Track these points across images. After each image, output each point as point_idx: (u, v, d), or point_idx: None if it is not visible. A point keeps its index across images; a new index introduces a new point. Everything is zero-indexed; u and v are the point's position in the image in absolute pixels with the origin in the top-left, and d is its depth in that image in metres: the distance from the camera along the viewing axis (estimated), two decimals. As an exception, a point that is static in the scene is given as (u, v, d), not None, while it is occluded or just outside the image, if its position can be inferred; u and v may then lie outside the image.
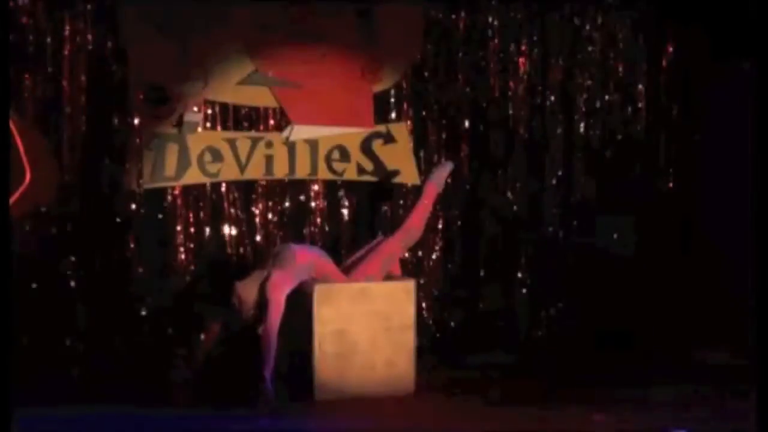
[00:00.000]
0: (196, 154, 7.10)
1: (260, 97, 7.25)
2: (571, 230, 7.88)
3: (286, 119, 7.29)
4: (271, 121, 7.29)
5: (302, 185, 7.38)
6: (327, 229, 7.41)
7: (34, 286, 6.77)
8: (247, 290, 6.17)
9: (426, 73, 7.59)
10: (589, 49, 7.88)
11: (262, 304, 6.13)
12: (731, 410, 5.96)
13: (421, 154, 7.60)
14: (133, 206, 6.97)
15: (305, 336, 6.27)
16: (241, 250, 7.23)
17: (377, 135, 7.49)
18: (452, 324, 7.66)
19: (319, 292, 6.28)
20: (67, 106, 6.81)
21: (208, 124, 7.12)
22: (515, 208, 7.77)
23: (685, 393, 6.50)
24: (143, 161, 6.95)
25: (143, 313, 7.01)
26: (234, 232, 7.22)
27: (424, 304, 7.51)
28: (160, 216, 7.05)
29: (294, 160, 7.31)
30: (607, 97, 7.92)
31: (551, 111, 7.81)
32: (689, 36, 7.89)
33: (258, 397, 5.91)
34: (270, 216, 7.31)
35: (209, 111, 7.13)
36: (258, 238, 7.27)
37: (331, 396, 6.24)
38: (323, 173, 7.38)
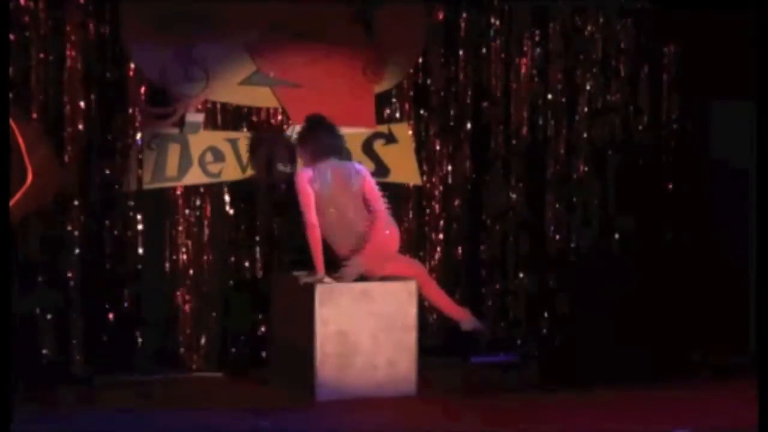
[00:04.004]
0: (198, 155, 7.10)
1: (262, 97, 7.26)
2: (572, 230, 7.87)
3: (287, 119, 7.29)
4: (273, 122, 7.29)
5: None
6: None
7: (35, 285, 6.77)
8: None
9: (428, 73, 7.58)
10: (591, 49, 7.88)
11: None
12: (731, 410, 5.96)
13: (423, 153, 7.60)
14: (134, 206, 6.97)
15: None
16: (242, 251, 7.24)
17: (379, 135, 7.49)
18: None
19: (320, 292, 6.28)
20: (68, 106, 6.80)
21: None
22: (516, 208, 7.77)
23: (686, 393, 6.51)
24: (144, 161, 6.95)
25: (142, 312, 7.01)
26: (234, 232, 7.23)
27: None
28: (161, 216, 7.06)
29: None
30: (608, 97, 7.92)
31: (553, 111, 7.80)
32: (690, 36, 7.89)
33: None
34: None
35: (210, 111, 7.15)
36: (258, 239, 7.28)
37: (332, 397, 6.24)
38: (325, 173, 7.37)
